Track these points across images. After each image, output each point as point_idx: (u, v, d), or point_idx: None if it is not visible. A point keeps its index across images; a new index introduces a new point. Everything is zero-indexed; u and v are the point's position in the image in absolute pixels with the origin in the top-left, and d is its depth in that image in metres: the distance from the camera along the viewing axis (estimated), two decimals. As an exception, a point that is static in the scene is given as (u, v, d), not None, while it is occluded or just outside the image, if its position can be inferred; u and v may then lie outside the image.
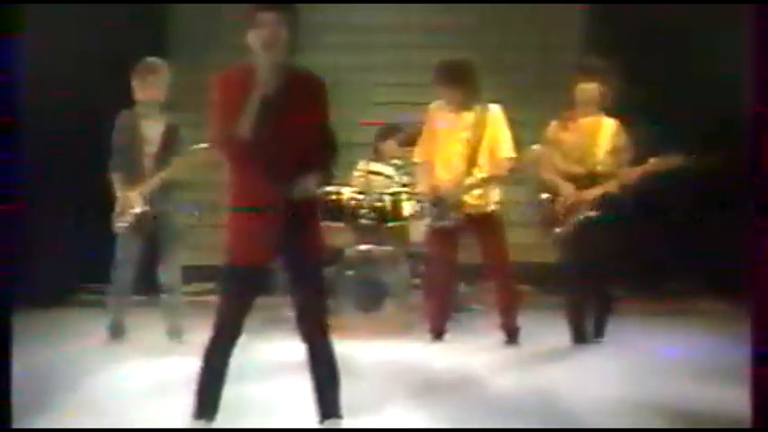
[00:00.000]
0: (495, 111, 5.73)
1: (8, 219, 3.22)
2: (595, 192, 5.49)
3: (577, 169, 5.56)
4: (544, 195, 5.66)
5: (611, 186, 5.47)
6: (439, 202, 5.67)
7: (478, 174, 5.67)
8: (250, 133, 3.34)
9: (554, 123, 5.66)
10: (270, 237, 3.43)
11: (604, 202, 5.48)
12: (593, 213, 5.49)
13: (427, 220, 5.81)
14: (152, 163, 5.62)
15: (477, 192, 5.67)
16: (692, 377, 4.67)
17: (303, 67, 3.54)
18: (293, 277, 3.58)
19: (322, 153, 3.55)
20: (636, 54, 7.18)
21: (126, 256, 5.61)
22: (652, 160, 5.36)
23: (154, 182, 5.56)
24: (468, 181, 5.65)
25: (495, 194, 5.78)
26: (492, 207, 5.74)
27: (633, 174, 5.43)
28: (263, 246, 3.45)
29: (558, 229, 5.57)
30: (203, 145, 5.27)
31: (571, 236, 5.52)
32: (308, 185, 3.43)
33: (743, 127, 3.44)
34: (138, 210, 5.55)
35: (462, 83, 5.58)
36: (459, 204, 5.63)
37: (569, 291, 5.63)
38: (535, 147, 5.60)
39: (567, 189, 5.55)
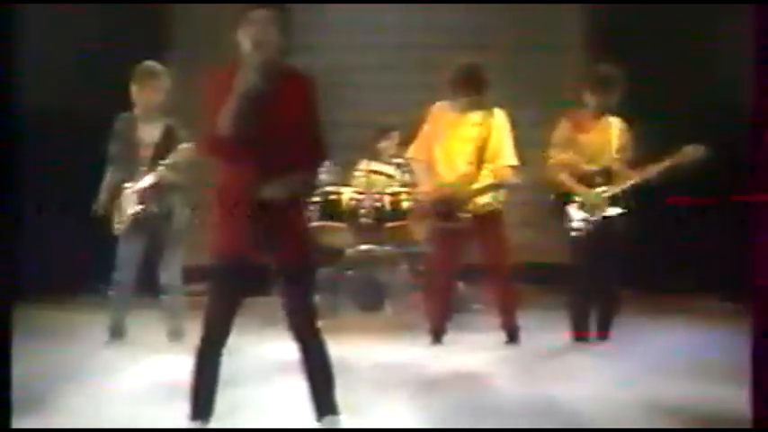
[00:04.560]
0: (500, 115, 5.73)
1: (9, 218, 3.22)
2: (615, 188, 5.48)
3: (591, 168, 5.54)
4: (552, 197, 5.64)
5: (629, 182, 5.47)
6: (444, 203, 5.65)
7: (485, 175, 5.66)
8: (234, 130, 3.34)
9: (564, 124, 5.63)
10: (248, 233, 3.42)
11: (624, 198, 5.49)
12: (613, 210, 5.49)
13: (432, 221, 5.76)
14: (149, 166, 5.62)
15: (483, 196, 5.66)
16: (692, 377, 4.66)
17: (293, 65, 3.52)
18: (280, 277, 3.58)
19: (306, 155, 3.51)
20: (636, 53, 7.19)
21: (126, 257, 5.61)
22: (677, 154, 5.34)
23: (145, 181, 5.56)
24: (475, 185, 5.64)
25: (499, 195, 5.77)
26: (494, 207, 5.73)
27: (655, 169, 5.41)
28: (241, 240, 3.44)
29: (574, 229, 5.55)
30: (188, 144, 5.39)
31: (590, 234, 5.51)
32: (279, 187, 3.39)
33: (743, 125, 3.44)
34: (132, 210, 5.56)
35: (486, 88, 5.58)
36: (466, 205, 5.62)
37: (579, 289, 5.60)
38: (563, 155, 5.59)
39: (583, 189, 5.52)
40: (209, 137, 3.41)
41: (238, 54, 3.40)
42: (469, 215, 5.62)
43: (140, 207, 5.56)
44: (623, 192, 5.50)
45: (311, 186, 5.77)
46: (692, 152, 5.30)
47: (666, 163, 5.37)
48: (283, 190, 3.40)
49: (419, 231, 6.12)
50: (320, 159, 3.65)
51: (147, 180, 5.56)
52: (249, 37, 3.36)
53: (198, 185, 5.96)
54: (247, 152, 3.37)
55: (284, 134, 3.40)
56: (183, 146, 5.45)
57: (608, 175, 5.52)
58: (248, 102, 3.33)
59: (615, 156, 5.55)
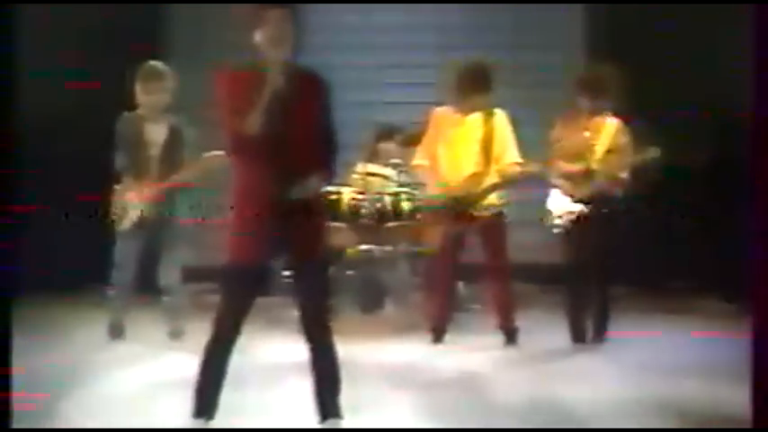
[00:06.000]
0: (501, 115, 5.73)
1: (9, 218, 3.22)
2: (587, 189, 5.50)
3: (575, 167, 5.58)
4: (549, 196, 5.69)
5: (602, 184, 5.49)
6: (456, 206, 5.64)
7: (492, 176, 5.66)
8: (260, 131, 3.34)
9: (559, 124, 5.68)
10: (271, 236, 3.43)
11: (595, 199, 5.50)
12: (584, 210, 5.51)
13: (443, 224, 5.72)
14: (156, 165, 5.62)
15: (492, 196, 5.67)
16: (692, 377, 4.67)
17: (308, 65, 3.54)
18: (296, 277, 3.58)
19: (325, 153, 3.54)
20: (636, 53, 7.20)
21: (126, 256, 5.62)
22: (635, 155, 5.39)
23: (162, 187, 5.56)
24: (484, 185, 5.64)
25: (501, 195, 5.78)
26: (497, 208, 5.73)
27: (621, 171, 5.44)
28: (263, 245, 3.45)
29: (556, 227, 5.59)
30: (217, 152, 5.14)
31: (567, 233, 5.54)
32: (309, 186, 3.43)
33: (743, 126, 3.44)
34: (142, 213, 5.57)
35: (493, 87, 5.58)
36: (476, 206, 5.61)
37: (571, 290, 5.63)
38: (558, 144, 5.62)
39: (564, 186, 5.57)
40: (234, 137, 3.41)
41: (247, 54, 3.41)
42: (480, 216, 5.61)
43: (151, 212, 5.56)
44: (602, 192, 5.50)
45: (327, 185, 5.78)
46: (649, 153, 5.33)
47: (629, 161, 5.39)
48: (311, 189, 3.42)
49: (430, 235, 6.08)
50: (336, 159, 3.65)
51: (164, 186, 5.57)
52: (267, 36, 3.37)
53: (207, 187, 5.98)
54: (270, 152, 3.37)
55: (303, 134, 3.42)
56: (212, 153, 5.29)
57: (589, 175, 5.54)
58: (274, 102, 3.34)
59: (603, 156, 5.55)
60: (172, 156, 5.61)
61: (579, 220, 5.53)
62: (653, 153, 5.35)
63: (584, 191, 5.52)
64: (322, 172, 3.51)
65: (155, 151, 5.63)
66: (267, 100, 3.35)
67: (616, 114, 5.60)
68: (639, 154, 5.39)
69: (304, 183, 3.41)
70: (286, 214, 3.41)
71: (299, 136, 3.40)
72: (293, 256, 3.55)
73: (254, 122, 3.34)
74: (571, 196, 5.57)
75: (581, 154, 5.58)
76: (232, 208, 3.53)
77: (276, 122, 3.34)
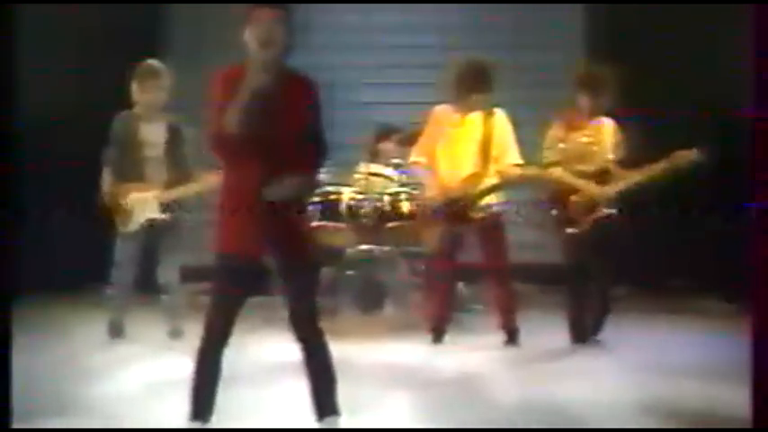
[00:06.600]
0: (501, 115, 5.72)
1: (9, 218, 3.22)
2: (615, 188, 5.48)
3: (586, 168, 5.55)
4: (546, 197, 5.65)
5: (630, 182, 5.46)
6: (454, 206, 5.64)
7: (490, 177, 5.65)
8: (238, 129, 3.33)
9: (556, 125, 5.65)
10: (252, 233, 3.42)
11: (625, 198, 5.48)
12: (615, 210, 5.49)
13: (441, 224, 5.72)
14: (156, 166, 5.61)
15: (490, 197, 5.66)
16: (691, 377, 4.67)
17: (297, 67, 3.53)
18: (282, 277, 3.57)
19: (311, 156, 3.53)
20: (636, 53, 7.21)
21: (126, 256, 5.62)
22: (676, 153, 5.34)
23: (179, 192, 5.57)
24: (482, 186, 5.63)
25: (500, 195, 5.77)
26: (495, 208, 5.73)
27: (654, 169, 5.40)
28: (245, 240, 3.43)
29: (572, 229, 5.54)
30: None
31: (589, 234, 5.50)
32: (286, 187, 3.41)
33: (743, 126, 3.44)
34: (153, 216, 5.57)
35: (494, 86, 5.57)
36: (475, 207, 5.61)
37: (577, 290, 5.60)
38: (562, 145, 5.59)
39: (587, 186, 5.52)
40: (215, 135, 3.40)
41: (245, 54, 3.40)
42: (479, 216, 5.61)
43: (161, 216, 5.57)
44: (621, 192, 5.49)
45: (313, 187, 5.77)
46: (688, 156, 5.29)
47: (663, 165, 5.36)
48: (287, 191, 3.40)
49: (428, 235, 6.08)
50: (322, 161, 3.64)
51: (181, 192, 5.57)
52: (256, 36, 3.36)
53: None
54: (252, 152, 3.37)
55: (288, 135, 3.40)
56: None
57: (605, 176, 5.53)
58: (254, 101, 3.33)
59: (609, 156, 5.55)
60: (175, 156, 5.60)
61: (603, 220, 5.49)
62: (692, 156, 5.28)
63: (611, 190, 5.49)
64: (304, 174, 3.49)
65: (151, 151, 5.62)
66: (246, 99, 3.33)
67: (609, 115, 5.60)
68: (676, 157, 5.31)
69: (277, 185, 3.38)
70: (267, 214, 3.40)
71: (282, 137, 3.39)
72: (279, 256, 3.54)
73: (231, 120, 3.33)
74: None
75: (586, 155, 5.56)
76: (219, 203, 3.53)
77: (257, 122, 3.32)
